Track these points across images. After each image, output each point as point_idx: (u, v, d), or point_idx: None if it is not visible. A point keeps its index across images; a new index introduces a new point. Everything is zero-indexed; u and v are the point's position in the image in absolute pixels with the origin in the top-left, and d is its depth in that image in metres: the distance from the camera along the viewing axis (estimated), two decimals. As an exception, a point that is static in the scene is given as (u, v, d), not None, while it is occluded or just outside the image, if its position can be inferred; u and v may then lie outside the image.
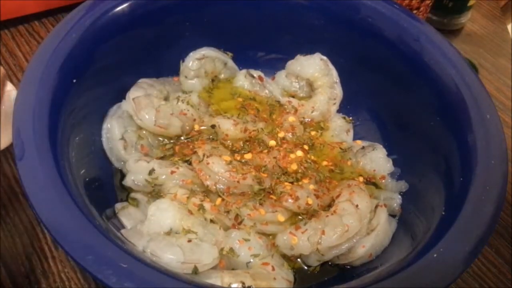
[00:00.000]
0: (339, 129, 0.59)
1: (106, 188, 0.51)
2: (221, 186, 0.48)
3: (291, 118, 0.56)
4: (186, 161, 0.51)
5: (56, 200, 0.37)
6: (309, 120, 0.58)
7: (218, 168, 0.48)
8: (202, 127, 0.54)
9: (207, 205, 0.46)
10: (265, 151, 0.53)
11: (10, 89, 0.52)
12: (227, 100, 0.58)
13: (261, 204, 0.47)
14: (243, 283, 0.41)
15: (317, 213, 0.48)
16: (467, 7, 0.79)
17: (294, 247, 0.46)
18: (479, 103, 0.49)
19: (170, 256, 0.41)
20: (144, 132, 0.53)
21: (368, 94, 0.60)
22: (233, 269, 0.45)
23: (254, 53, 0.63)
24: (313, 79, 0.61)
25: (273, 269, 0.44)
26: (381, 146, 0.57)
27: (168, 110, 0.53)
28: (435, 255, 0.38)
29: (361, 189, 0.50)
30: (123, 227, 0.46)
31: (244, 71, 0.61)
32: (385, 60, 0.57)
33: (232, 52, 0.61)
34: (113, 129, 0.52)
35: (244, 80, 0.60)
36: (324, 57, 0.61)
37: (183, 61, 0.59)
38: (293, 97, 0.61)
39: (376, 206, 0.50)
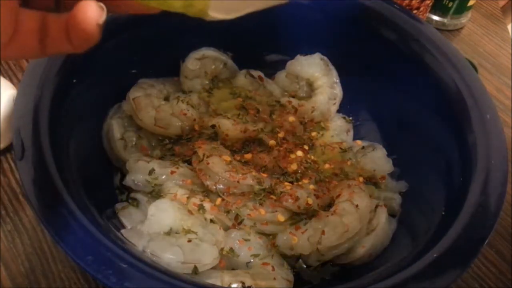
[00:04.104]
0: (339, 129, 0.59)
1: (106, 188, 0.51)
2: (221, 186, 0.48)
3: (291, 118, 0.56)
4: (186, 161, 0.51)
5: (56, 200, 0.37)
6: (309, 120, 0.58)
7: (218, 168, 0.48)
8: (202, 127, 0.54)
9: (207, 205, 0.46)
10: (265, 151, 0.53)
11: (10, 89, 0.52)
12: (227, 100, 0.58)
13: (261, 204, 0.47)
14: (243, 283, 0.41)
15: (317, 213, 0.48)
16: (467, 7, 0.79)
17: (294, 247, 0.46)
18: (479, 103, 0.49)
19: (170, 256, 0.41)
20: (144, 132, 0.53)
21: (368, 94, 0.60)
22: (233, 269, 0.45)
23: (254, 53, 0.63)
24: (313, 79, 0.61)
25: (273, 269, 0.44)
26: (381, 146, 0.57)
27: (168, 110, 0.53)
28: (435, 255, 0.38)
29: (361, 189, 0.50)
30: (123, 227, 0.46)
31: (244, 71, 0.61)
32: (385, 60, 0.57)
33: (232, 52, 0.61)
34: (113, 129, 0.52)
35: (244, 80, 0.60)
36: (324, 57, 0.61)
37: (183, 61, 0.59)
38: (293, 97, 0.61)
39: (376, 206, 0.50)
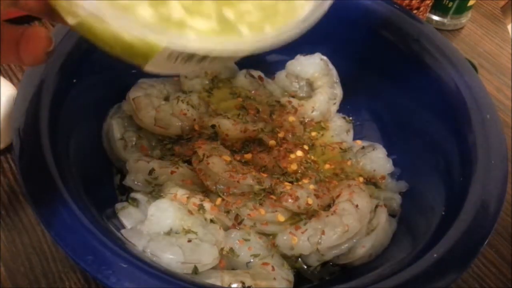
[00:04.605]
0: (339, 129, 0.59)
1: (106, 188, 0.51)
2: (221, 186, 0.48)
3: (291, 118, 0.56)
4: (186, 161, 0.51)
5: (56, 200, 0.37)
6: (309, 120, 0.58)
7: (218, 168, 0.48)
8: (202, 127, 0.54)
9: (207, 205, 0.46)
10: (265, 151, 0.53)
11: (10, 89, 0.52)
12: (227, 100, 0.58)
13: (261, 204, 0.47)
14: (243, 283, 0.41)
15: (317, 213, 0.48)
16: (467, 7, 0.79)
17: (294, 247, 0.46)
18: (479, 103, 0.49)
19: (170, 256, 0.41)
20: (144, 132, 0.53)
21: (368, 94, 0.60)
22: (233, 269, 0.45)
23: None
24: (313, 79, 0.61)
25: (273, 269, 0.44)
26: (381, 146, 0.57)
27: (168, 110, 0.53)
28: (435, 255, 0.38)
29: (361, 189, 0.50)
30: (123, 227, 0.46)
31: (244, 71, 0.61)
32: (385, 60, 0.57)
33: (232, 52, 0.61)
34: (113, 129, 0.52)
35: (244, 80, 0.60)
36: (324, 57, 0.61)
37: (183, 61, 0.59)
38: (293, 97, 0.61)
39: (376, 206, 0.50)
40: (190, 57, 0.28)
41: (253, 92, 0.59)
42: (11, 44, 0.29)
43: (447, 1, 0.78)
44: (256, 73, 0.60)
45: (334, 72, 0.61)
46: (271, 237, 0.48)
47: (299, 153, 0.53)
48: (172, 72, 0.31)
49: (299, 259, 0.48)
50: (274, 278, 0.43)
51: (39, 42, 0.29)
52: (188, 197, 0.46)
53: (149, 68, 0.29)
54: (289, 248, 0.46)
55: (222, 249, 0.44)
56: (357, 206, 0.47)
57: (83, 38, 0.28)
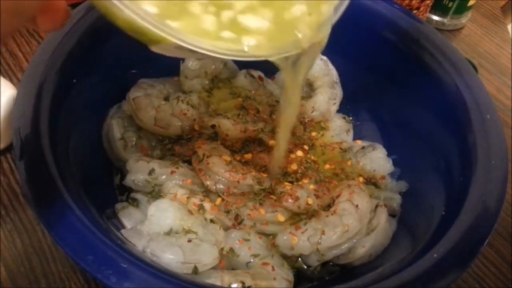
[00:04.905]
0: (339, 129, 0.59)
1: (106, 188, 0.51)
2: (221, 186, 0.48)
3: (291, 118, 0.56)
4: (186, 161, 0.51)
5: (56, 200, 0.37)
6: (309, 120, 0.58)
7: (218, 168, 0.48)
8: (202, 127, 0.54)
9: (207, 205, 0.46)
10: (265, 151, 0.53)
11: (10, 89, 0.52)
12: (227, 100, 0.58)
13: (261, 204, 0.47)
14: (243, 283, 0.41)
15: (317, 213, 0.48)
16: (467, 7, 0.79)
17: (294, 247, 0.46)
18: (479, 103, 0.49)
19: (170, 256, 0.41)
20: (144, 132, 0.53)
21: (368, 94, 0.60)
22: (233, 269, 0.45)
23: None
24: (313, 79, 0.61)
25: (273, 269, 0.44)
26: (381, 146, 0.57)
27: (168, 110, 0.53)
28: (435, 255, 0.38)
29: (361, 189, 0.50)
30: (123, 227, 0.46)
31: (244, 71, 0.60)
32: (385, 60, 0.57)
33: (232, 52, 0.61)
34: (113, 129, 0.52)
35: (244, 80, 0.60)
36: (324, 57, 0.61)
37: (183, 61, 0.59)
38: (293, 97, 0.60)
39: (376, 206, 0.50)
40: None
41: (253, 92, 0.59)
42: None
43: (447, 1, 0.78)
44: (256, 73, 0.60)
45: (334, 72, 0.61)
46: (271, 237, 0.48)
47: (299, 153, 0.53)
48: (178, 56, 0.33)
49: (299, 259, 0.48)
50: (274, 278, 0.43)
51: (60, 13, 0.31)
52: (188, 197, 0.46)
53: (156, 50, 0.31)
54: (289, 248, 0.46)
55: (222, 249, 0.44)
56: (357, 206, 0.47)
57: (85, 34, 0.29)
